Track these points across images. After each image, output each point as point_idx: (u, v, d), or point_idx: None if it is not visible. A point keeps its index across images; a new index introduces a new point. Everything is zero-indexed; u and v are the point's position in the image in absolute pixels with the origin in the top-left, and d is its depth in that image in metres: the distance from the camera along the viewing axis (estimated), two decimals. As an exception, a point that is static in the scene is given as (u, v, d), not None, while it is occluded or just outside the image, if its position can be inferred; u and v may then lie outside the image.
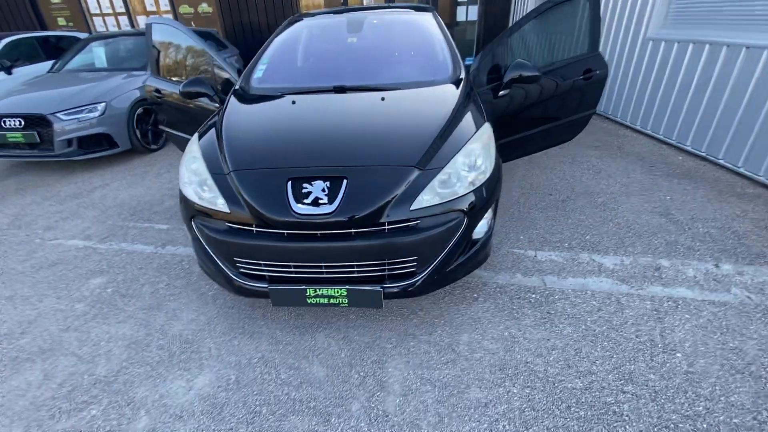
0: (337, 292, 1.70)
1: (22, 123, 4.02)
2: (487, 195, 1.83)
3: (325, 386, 1.65)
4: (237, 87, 2.49)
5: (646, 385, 1.58)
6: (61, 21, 8.69)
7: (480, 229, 1.92)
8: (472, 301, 2.09)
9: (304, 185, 1.64)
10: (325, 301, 1.73)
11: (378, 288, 1.68)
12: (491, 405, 1.54)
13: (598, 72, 3.00)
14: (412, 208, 1.63)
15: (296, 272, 1.74)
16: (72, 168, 4.36)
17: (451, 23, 8.63)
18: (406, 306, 2.07)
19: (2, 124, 4.04)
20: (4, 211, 3.45)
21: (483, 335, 1.87)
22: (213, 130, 2.07)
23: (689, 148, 3.83)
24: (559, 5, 2.91)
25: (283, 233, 1.65)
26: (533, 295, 2.10)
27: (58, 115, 4.02)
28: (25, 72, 5.63)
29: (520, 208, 3.00)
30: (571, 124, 3.18)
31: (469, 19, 8.71)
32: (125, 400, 1.63)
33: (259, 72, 2.60)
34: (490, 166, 1.87)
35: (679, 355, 1.71)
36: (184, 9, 8.56)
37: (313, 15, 3.27)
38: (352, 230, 1.62)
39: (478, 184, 1.78)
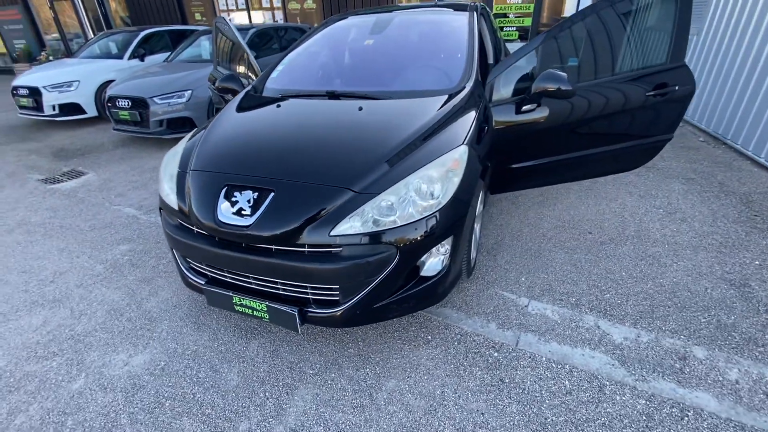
0: (259, 305, 1.66)
1: (130, 104, 4.85)
2: (438, 229, 1.58)
3: (230, 397, 1.64)
4: (249, 87, 2.59)
5: None
6: (198, 16, 10.21)
7: (432, 267, 1.68)
8: (422, 344, 1.85)
9: (235, 193, 1.62)
10: (249, 311, 1.71)
11: (291, 310, 1.59)
12: (374, 471, 1.35)
13: (677, 88, 2.35)
14: (332, 233, 1.49)
15: (226, 278, 1.76)
16: (161, 145, 5.11)
17: (558, 17, 7.71)
18: (351, 332, 1.93)
19: (117, 103, 4.94)
20: (102, 175, 4.22)
21: (411, 387, 1.64)
22: (204, 128, 2.19)
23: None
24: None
25: (215, 238, 1.66)
26: (495, 354, 1.77)
27: (154, 99, 4.74)
28: (153, 60, 6.76)
29: (542, 244, 2.54)
30: (634, 151, 2.57)
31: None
32: (78, 360, 1.85)
33: (275, 72, 2.66)
34: (447, 196, 1.60)
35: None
36: (292, 5, 9.29)
37: (357, 14, 3.21)
38: (272, 247, 1.56)
39: (424, 215, 1.55)
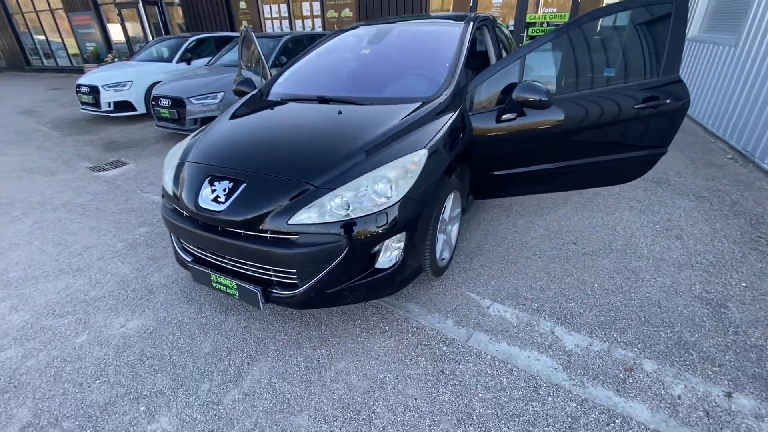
0: (231, 283, 1.87)
1: (170, 103, 5.35)
2: (388, 225, 1.71)
3: (200, 362, 1.86)
4: (255, 91, 2.85)
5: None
6: (245, 23, 10.93)
7: (386, 260, 1.81)
8: (378, 333, 1.98)
9: (215, 183, 1.85)
10: (223, 288, 1.92)
11: (255, 289, 1.78)
12: (305, 437, 1.50)
13: (669, 102, 2.34)
14: (290, 222, 1.67)
15: (207, 257, 1.98)
16: (195, 141, 5.57)
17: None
18: (317, 317, 2.09)
19: (159, 102, 5.46)
20: (140, 166, 4.70)
21: (358, 369, 1.77)
22: (208, 126, 2.46)
23: None
24: (620, 11, 2.38)
25: (198, 221, 1.90)
26: (444, 348, 1.86)
27: (191, 99, 5.21)
28: (198, 63, 7.36)
29: (522, 251, 2.58)
30: (625, 163, 2.56)
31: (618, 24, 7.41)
32: (85, 319, 2.16)
33: (282, 77, 2.90)
34: (400, 195, 1.73)
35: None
36: (330, 14, 9.72)
37: (365, 25, 3.39)
38: (241, 231, 1.76)
39: (374, 211, 1.69)
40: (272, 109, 2.40)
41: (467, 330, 1.96)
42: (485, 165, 2.48)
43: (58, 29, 14.13)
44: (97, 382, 1.77)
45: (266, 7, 10.41)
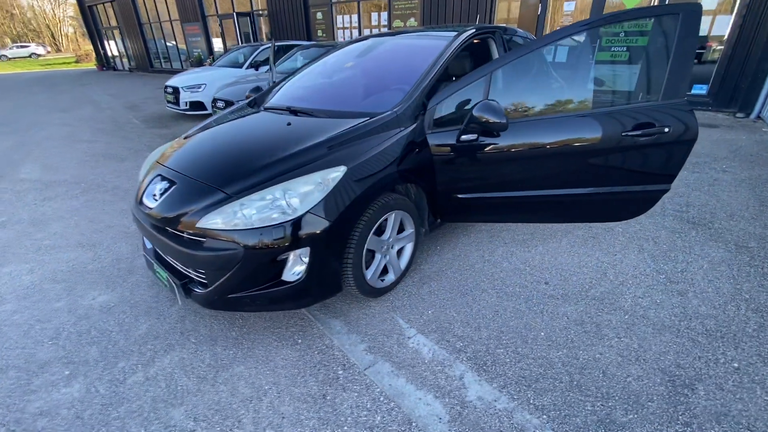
0: (163, 274, 2.04)
1: (224, 105, 5.96)
2: (289, 238, 1.72)
3: (130, 341, 2.05)
4: (251, 99, 3.04)
5: None
6: (320, 33, 11.64)
7: (292, 273, 1.82)
8: (289, 344, 1.98)
9: (158, 182, 2.03)
10: (159, 278, 2.10)
11: (175, 282, 1.92)
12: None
13: (668, 130, 2.00)
14: (198, 225, 1.77)
15: (153, 247, 2.19)
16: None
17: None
18: (244, 318, 2.17)
19: (217, 104, 6.11)
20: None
21: (250, 377, 1.80)
22: (194, 129, 2.70)
23: None
24: (614, 22, 2.10)
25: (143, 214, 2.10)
26: (341, 372, 1.80)
27: (239, 102, 5.73)
28: (262, 70, 8.05)
29: (482, 283, 2.37)
30: (615, 199, 2.25)
31: (713, 34, 6.37)
32: (70, 288, 2.51)
33: (278, 87, 3.05)
34: (305, 209, 1.73)
35: None
36: (396, 23, 9.89)
37: (371, 38, 3.39)
38: (167, 228, 1.91)
39: (274, 222, 1.71)
40: (243, 117, 2.55)
41: (374, 357, 1.87)
42: (447, 187, 2.33)
43: (174, 37, 16.59)
44: (49, 342, 2.06)
45: (339, 18, 10.97)
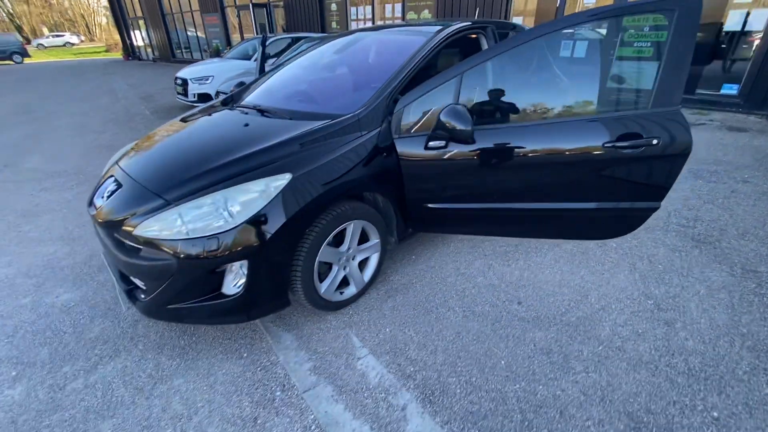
0: (113, 276, 1.99)
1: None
2: (223, 250, 1.62)
3: (80, 344, 2.01)
4: (228, 95, 2.95)
5: None
6: (334, 24, 11.48)
7: (231, 286, 1.73)
8: (235, 357, 1.90)
9: (107, 183, 1.97)
10: (113, 280, 2.05)
11: (121, 287, 1.86)
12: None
13: (657, 142, 1.80)
14: (135, 232, 1.69)
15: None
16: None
17: (713, 31, 6.03)
18: (196, 327, 2.10)
19: (218, 97, 6.09)
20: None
21: (187, 392, 1.73)
22: (166, 126, 2.64)
23: None
24: (600, 18, 1.89)
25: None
26: (279, 393, 1.70)
27: (241, 95, 5.70)
28: (270, 62, 7.99)
29: (448, 299, 2.22)
30: (595, 216, 2.06)
31: (747, 29, 5.85)
32: (39, 284, 2.51)
33: (260, 81, 2.95)
34: (244, 218, 1.63)
35: None
36: (410, 15, 9.62)
37: (352, 32, 3.21)
38: (113, 231, 1.85)
39: (208, 233, 1.61)
40: (209, 116, 2.46)
41: (316, 379, 1.76)
42: (416, 196, 2.18)
43: (195, 28, 16.80)
44: (5, 341, 2.06)
45: (353, 9, 10.78)
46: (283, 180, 1.70)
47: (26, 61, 23.19)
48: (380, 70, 2.28)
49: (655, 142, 1.76)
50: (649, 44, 1.85)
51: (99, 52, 30.31)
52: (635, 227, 2.04)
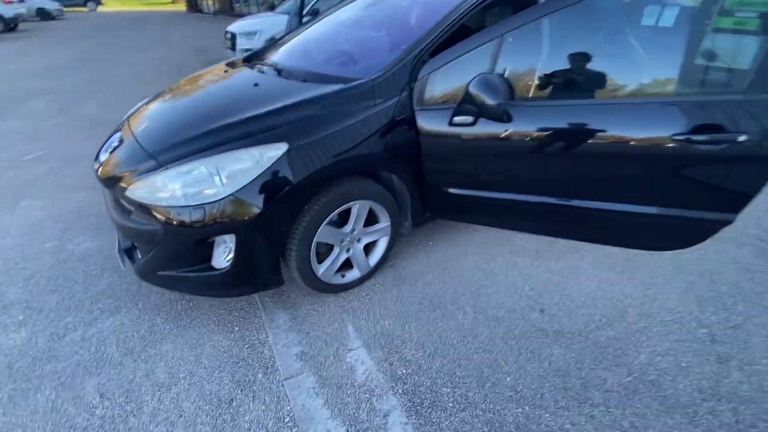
0: (117, 235, 1.97)
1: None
2: (209, 222, 1.51)
3: (87, 295, 2.04)
4: (252, 53, 2.77)
5: None
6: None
7: (220, 259, 1.63)
8: (226, 331, 1.84)
9: (113, 139, 1.91)
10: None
11: (120, 245, 1.83)
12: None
13: (742, 139, 1.41)
14: (126, 193, 1.61)
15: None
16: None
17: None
18: (195, 300, 2.04)
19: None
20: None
21: (173, 359, 1.70)
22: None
23: None
24: None
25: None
26: (260, 376, 1.62)
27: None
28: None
29: (460, 297, 2.00)
30: (650, 222, 1.71)
31: None
32: (65, 228, 2.60)
33: (283, 40, 2.74)
34: (232, 190, 1.49)
35: None
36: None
37: None
38: (108, 189, 1.80)
39: (193, 202, 1.50)
40: (225, 73, 2.31)
41: (301, 366, 1.65)
42: (436, 179, 1.93)
43: (253, -20, 16.62)
44: (22, 283, 2.15)
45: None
46: (277, 150, 1.53)
47: (99, 9, 24.49)
48: (410, 29, 1.98)
49: (741, 138, 1.36)
50: (755, 14, 1.41)
51: (165, 4, 31.28)
52: (700, 241, 1.67)
